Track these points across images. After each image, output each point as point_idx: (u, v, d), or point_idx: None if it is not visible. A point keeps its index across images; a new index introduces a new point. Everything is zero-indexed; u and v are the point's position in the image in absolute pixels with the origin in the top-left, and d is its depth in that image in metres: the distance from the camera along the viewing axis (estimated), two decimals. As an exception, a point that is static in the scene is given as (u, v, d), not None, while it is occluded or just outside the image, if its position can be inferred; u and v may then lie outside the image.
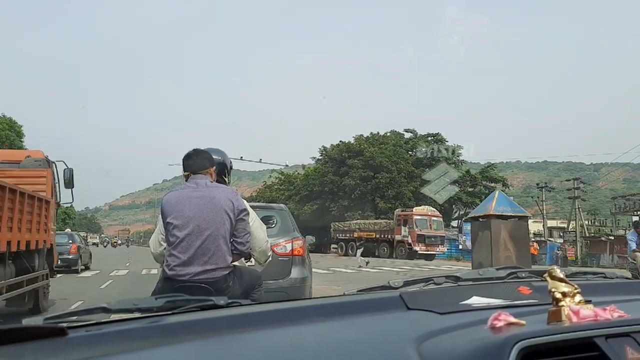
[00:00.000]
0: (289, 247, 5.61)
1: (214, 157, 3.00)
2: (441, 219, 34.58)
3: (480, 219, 13.98)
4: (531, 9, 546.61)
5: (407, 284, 1.36)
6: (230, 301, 1.22)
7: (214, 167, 2.95)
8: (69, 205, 8.75)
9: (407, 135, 44.13)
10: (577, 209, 39.73)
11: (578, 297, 0.84)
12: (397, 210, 34.28)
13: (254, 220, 3.04)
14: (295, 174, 49.08)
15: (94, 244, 64.35)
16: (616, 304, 0.95)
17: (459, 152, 41.15)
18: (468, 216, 25.55)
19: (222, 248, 2.70)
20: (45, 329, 0.94)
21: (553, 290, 0.84)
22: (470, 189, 41.84)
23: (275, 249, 5.45)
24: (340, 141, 43.19)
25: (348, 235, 35.41)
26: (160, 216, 2.88)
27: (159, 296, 1.19)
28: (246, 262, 3.15)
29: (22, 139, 37.21)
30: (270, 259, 3.28)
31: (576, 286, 0.86)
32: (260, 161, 40.47)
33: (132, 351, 0.90)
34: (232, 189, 3.02)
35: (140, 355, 0.89)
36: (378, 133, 43.81)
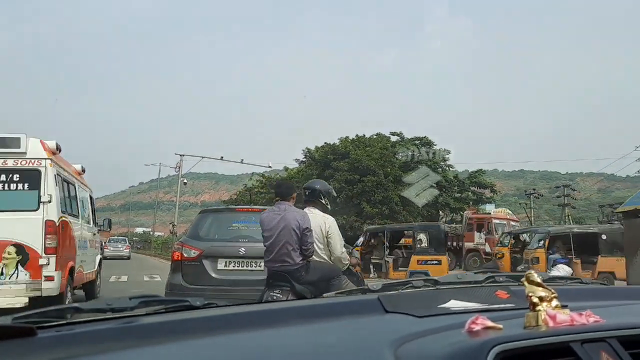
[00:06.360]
0: None
1: (315, 186, 4.60)
2: (519, 224, 30.63)
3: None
4: (513, 17, 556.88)
5: (385, 287, 1.36)
6: (206, 302, 1.20)
7: (294, 195, 4.41)
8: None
9: (394, 138, 43.73)
10: (566, 217, 39.99)
11: (555, 302, 0.84)
12: (466, 212, 29.62)
13: (335, 236, 4.38)
14: (277, 176, 48.59)
15: None
16: (592, 309, 0.96)
17: (447, 156, 41.17)
18: (617, 209, 19.98)
19: (290, 252, 4.09)
20: (14, 329, 0.91)
21: (530, 294, 0.84)
22: (458, 195, 41.76)
23: None
24: (325, 143, 42.68)
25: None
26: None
27: (133, 296, 1.17)
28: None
29: None
30: (347, 266, 4.51)
31: (553, 291, 0.86)
32: (241, 162, 39.52)
33: (103, 353, 0.87)
34: (303, 212, 4.28)
35: (111, 357, 0.86)
36: (364, 135, 43.38)
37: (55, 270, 6.41)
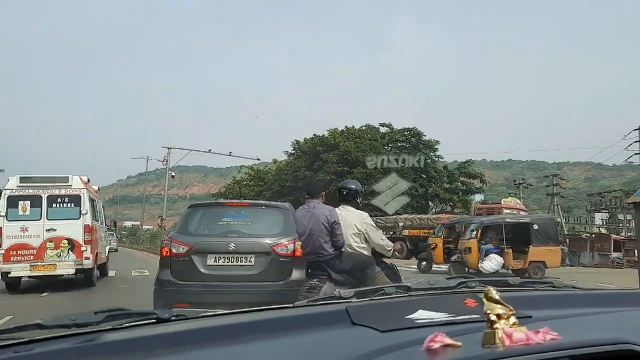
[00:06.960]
0: (290, 247, 5.36)
1: (351, 186, 5.07)
2: (527, 214, 29.54)
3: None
4: (500, 10, 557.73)
5: (357, 294, 1.35)
6: (175, 314, 1.19)
7: (323, 193, 4.99)
8: None
9: (383, 129, 43.32)
10: (555, 206, 40.14)
11: (512, 319, 0.84)
12: (474, 202, 29.36)
13: (374, 229, 4.85)
14: (266, 169, 48.13)
15: None
16: (556, 320, 0.96)
17: (436, 147, 40.99)
18: (628, 200, 18.92)
19: (323, 244, 4.61)
20: None
21: (488, 311, 0.84)
22: (447, 185, 41.55)
23: (276, 249, 5.38)
24: (314, 134, 42.32)
25: (391, 233, 25.92)
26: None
27: (99, 310, 1.15)
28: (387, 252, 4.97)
29: None
30: (391, 251, 4.99)
31: (511, 308, 0.86)
32: (230, 154, 38.81)
33: None
34: (331, 208, 4.77)
35: None
36: (353, 127, 43.02)
37: (90, 253, 11.17)
